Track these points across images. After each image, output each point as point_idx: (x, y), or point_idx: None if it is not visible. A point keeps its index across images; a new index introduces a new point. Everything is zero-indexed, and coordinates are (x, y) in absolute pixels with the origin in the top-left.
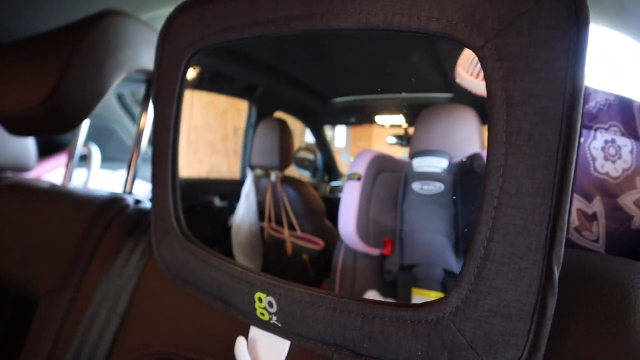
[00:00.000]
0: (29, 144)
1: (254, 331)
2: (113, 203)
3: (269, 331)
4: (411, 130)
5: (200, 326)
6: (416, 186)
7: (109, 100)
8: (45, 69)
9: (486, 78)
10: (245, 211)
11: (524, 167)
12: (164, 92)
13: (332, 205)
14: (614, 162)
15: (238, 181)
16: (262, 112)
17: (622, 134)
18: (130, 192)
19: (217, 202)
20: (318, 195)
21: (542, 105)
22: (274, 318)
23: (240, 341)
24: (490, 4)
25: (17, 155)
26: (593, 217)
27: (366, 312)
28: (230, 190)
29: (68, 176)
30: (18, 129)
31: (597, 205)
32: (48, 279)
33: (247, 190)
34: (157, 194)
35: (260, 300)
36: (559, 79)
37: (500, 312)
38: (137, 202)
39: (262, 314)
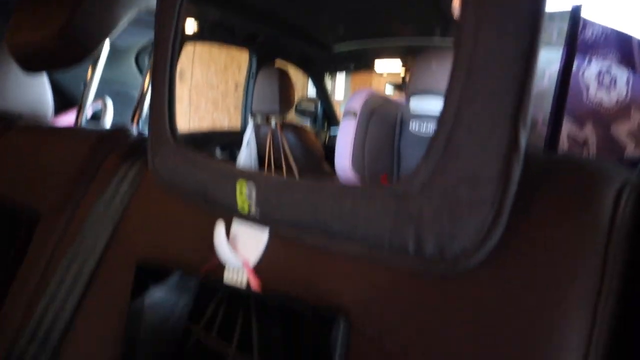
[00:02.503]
0: (47, 95)
1: (234, 229)
2: (116, 132)
3: (250, 220)
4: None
5: (185, 231)
6: (413, 126)
7: (129, 66)
8: (60, 2)
9: None
10: (247, 158)
11: (495, 35)
12: (164, 10)
13: (331, 152)
14: (608, 91)
15: (239, 132)
16: (262, 61)
17: (619, 62)
18: (137, 124)
19: (218, 153)
20: (318, 140)
21: None
22: (253, 209)
23: (219, 224)
24: None
25: (34, 105)
26: (584, 143)
27: (336, 192)
28: (232, 141)
29: (80, 122)
30: (33, 65)
31: (588, 133)
32: (50, 200)
33: (248, 138)
34: (154, 109)
35: (241, 192)
36: None
37: (467, 178)
38: (140, 133)
39: (243, 208)
